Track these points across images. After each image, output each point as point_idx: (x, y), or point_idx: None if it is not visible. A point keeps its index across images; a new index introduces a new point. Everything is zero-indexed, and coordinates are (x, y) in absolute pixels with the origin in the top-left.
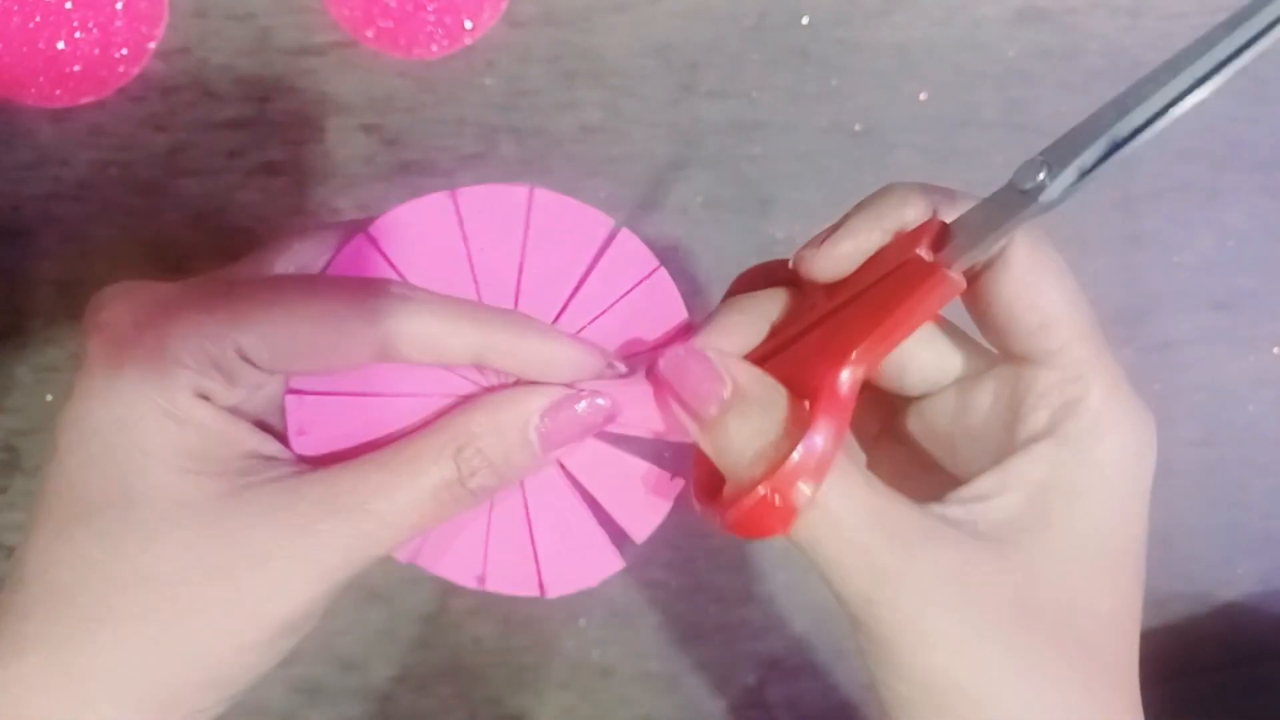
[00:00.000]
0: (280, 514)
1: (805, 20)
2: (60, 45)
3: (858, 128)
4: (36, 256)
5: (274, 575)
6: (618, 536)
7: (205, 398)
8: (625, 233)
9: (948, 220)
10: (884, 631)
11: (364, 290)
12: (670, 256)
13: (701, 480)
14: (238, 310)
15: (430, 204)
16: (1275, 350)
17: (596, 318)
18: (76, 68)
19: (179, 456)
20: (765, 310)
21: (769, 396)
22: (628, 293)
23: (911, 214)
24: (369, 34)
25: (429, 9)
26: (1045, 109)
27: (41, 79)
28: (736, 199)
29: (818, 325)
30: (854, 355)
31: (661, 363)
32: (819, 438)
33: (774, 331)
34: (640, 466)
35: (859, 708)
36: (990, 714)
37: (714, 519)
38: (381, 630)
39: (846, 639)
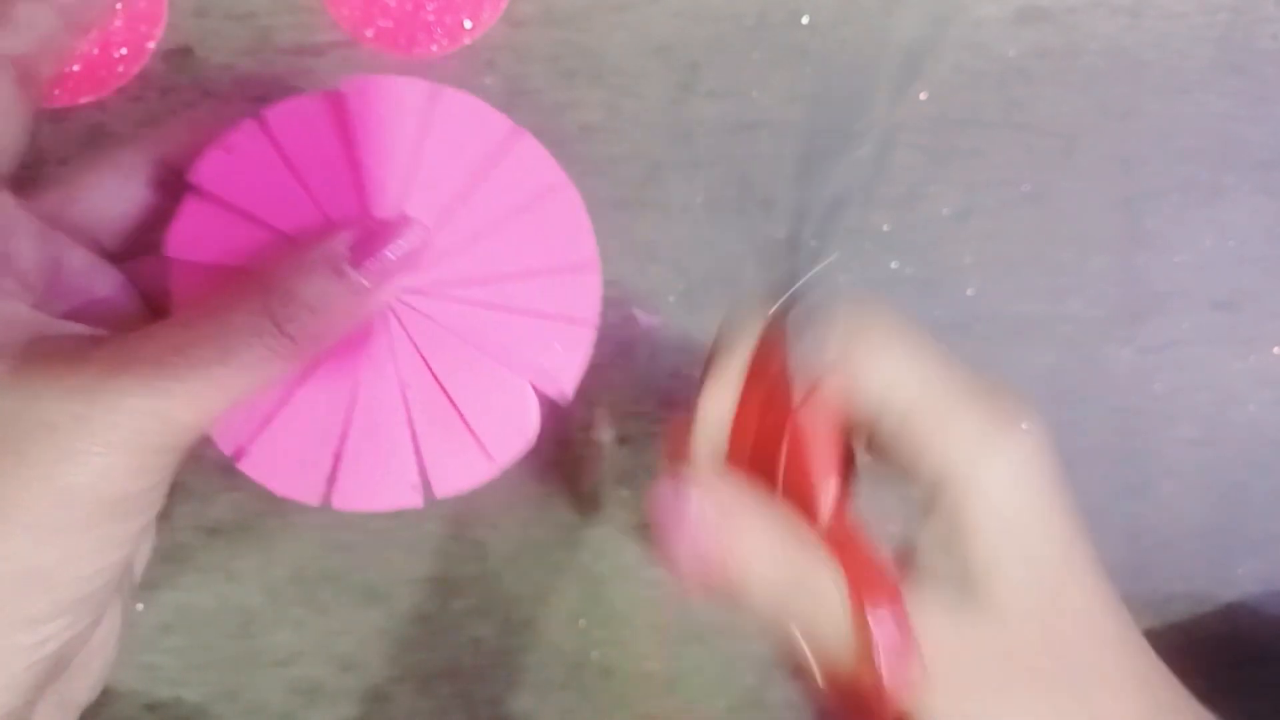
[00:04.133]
0: (66, 379)
1: (805, 19)
2: None
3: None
4: None
5: (61, 445)
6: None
7: None
8: (527, 136)
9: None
10: None
11: None
12: (670, 256)
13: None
14: None
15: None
16: (1276, 350)
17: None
18: (76, 67)
19: None
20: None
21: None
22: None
23: (738, 363)
24: (369, 34)
25: (429, 8)
26: (1046, 108)
27: None
28: (737, 199)
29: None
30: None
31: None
32: (886, 634)
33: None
34: (514, 383)
35: None
36: None
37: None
38: (381, 630)
39: None
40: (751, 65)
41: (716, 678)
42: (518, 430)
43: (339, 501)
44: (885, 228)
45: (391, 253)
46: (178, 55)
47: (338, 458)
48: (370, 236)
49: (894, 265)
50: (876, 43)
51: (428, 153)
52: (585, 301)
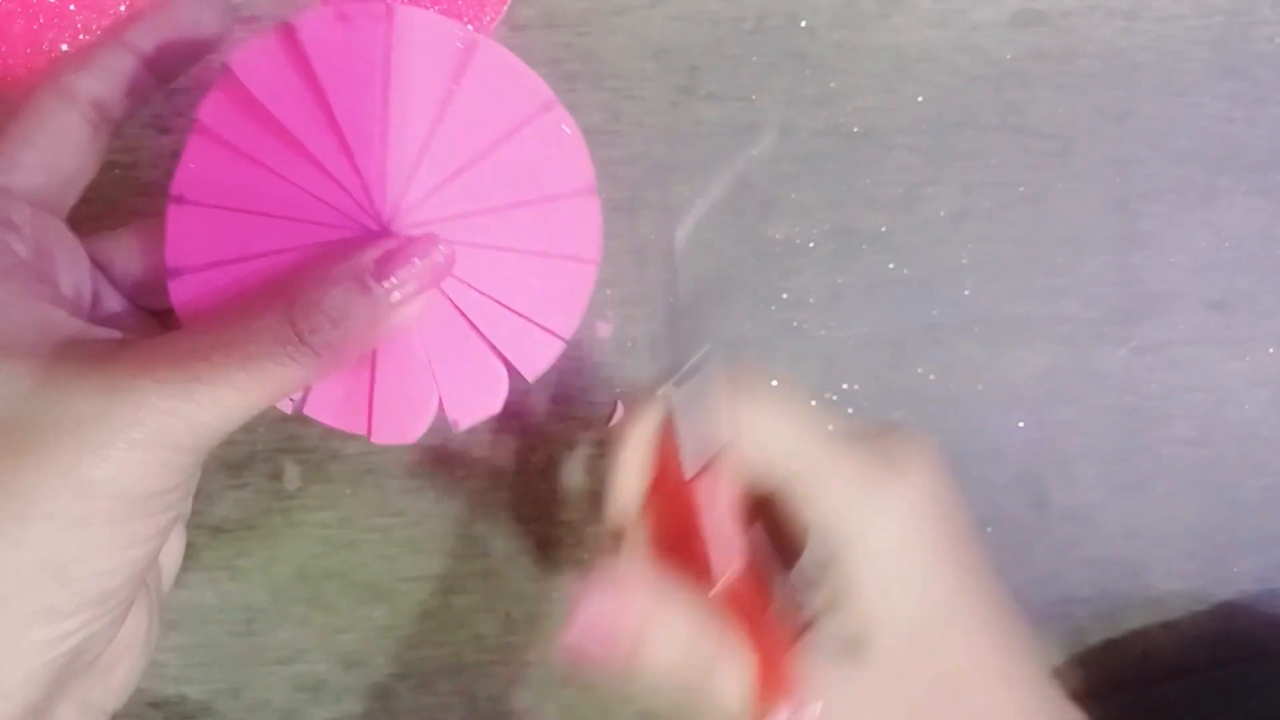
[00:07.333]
0: (93, 378)
1: (804, 23)
2: (64, 48)
3: (856, 130)
4: None
5: (85, 439)
6: (512, 375)
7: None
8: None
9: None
10: None
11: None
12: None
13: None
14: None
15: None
16: (1271, 350)
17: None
18: None
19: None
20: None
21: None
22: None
23: (642, 443)
24: None
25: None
26: (1042, 111)
27: None
28: (735, 201)
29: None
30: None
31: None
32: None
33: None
34: (491, 360)
35: None
36: None
37: None
38: (383, 627)
39: None
40: (750, 68)
41: None
42: (483, 404)
43: (305, 406)
44: (883, 229)
45: (417, 269)
46: None
47: None
48: (396, 252)
49: (891, 266)
50: (873, 45)
51: (458, 101)
52: (576, 295)
